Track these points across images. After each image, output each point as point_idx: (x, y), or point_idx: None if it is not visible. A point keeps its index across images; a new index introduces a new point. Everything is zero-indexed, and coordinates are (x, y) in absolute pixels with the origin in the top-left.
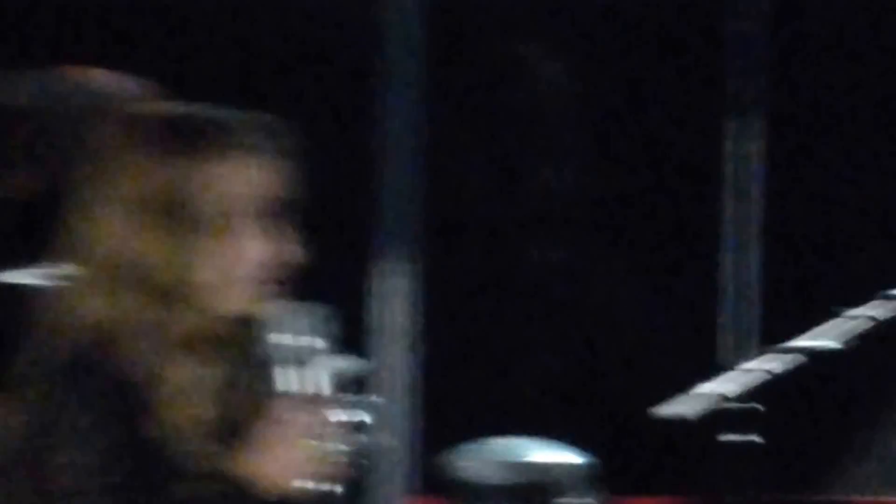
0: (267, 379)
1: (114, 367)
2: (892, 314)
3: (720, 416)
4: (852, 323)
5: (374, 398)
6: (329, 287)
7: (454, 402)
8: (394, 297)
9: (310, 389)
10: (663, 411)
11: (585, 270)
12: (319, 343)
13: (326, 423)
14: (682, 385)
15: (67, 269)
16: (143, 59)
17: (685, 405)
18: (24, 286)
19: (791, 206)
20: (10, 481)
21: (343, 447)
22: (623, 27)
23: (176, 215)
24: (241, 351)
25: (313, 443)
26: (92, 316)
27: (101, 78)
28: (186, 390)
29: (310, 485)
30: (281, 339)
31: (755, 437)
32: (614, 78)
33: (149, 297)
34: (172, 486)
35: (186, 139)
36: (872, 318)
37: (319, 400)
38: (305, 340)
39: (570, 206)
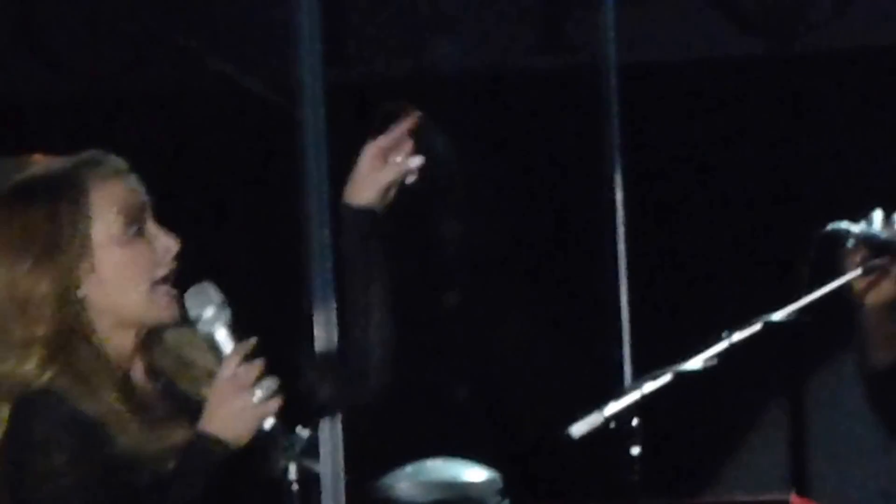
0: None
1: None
2: (744, 339)
3: (608, 433)
4: (713, 348)
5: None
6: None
7: (376, 431)
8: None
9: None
10: (563, 431)
11: (492, 310)
12: (224, 315)
13: (256, 374)
14: (577, 408)
15: None
16: None
17: (580, 425)
18: None
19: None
20: None
21: (267, 393)
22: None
23: (56, 252)
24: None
25: (253, 394)
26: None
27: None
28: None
29: (260, 427)
30: (200, 318)
31: (637, 449)
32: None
33: (43, 327)
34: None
35: (51, 191)
36: (729, 343)
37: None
38: (213, 315)
39: (476, 252)
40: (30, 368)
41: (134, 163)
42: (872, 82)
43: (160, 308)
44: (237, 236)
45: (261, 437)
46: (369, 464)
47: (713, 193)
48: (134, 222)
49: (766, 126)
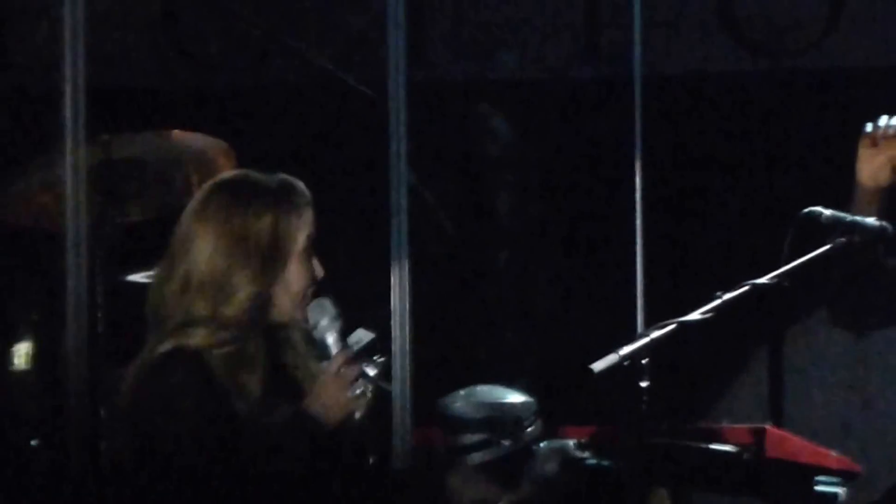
0: (314, 353)
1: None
2: (735, 298)
3: (622, 370)
4: (709, 305)
5: (381, 358)
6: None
7: (441, 363)
8: (396, 292)
9: (341, 351)
10: (589, 366)
11: (531, 272)
12: (337, 325)
13: (355, 376)
14: (598, 350)
15: (164, 274)
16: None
17: (600, 363)
18: (141, 284)
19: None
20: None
21: (367, 391)
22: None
23: (248, 250)
24: (292, 339)
25: (351, 390)
26: (175, 317)
27: (192, 137)
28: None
29: (352, 416)
30: (318, 325)
31: (645, 383)
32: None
33: (224, 307)
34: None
35: (257, 197)
36: (722, 301)
37: (348, 361)
38: (328, 325)
39: (524, 220)
40: (203, 338)
41: (252, 146)
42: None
43: (301, 312)
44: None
45: (351, 424)
46: (432, 386)
47: (718, 184)
48: (310, 244)
49: (763, 131)
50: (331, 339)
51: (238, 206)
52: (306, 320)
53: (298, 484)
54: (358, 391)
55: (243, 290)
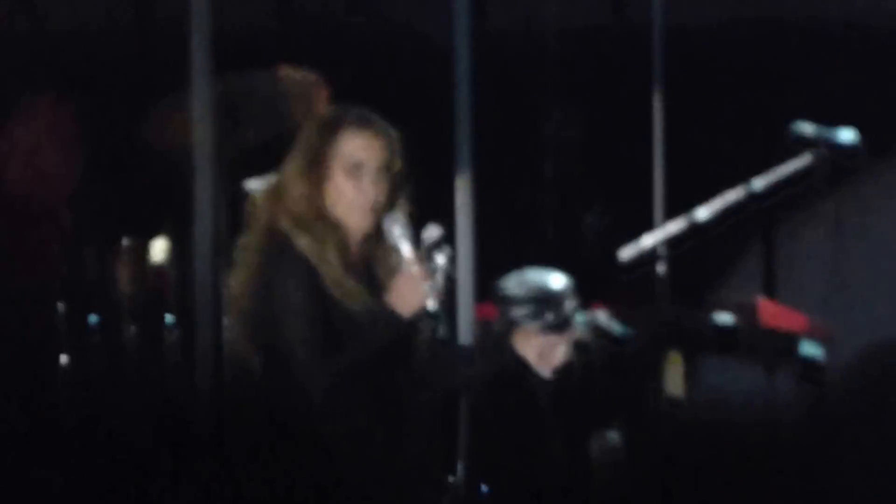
0: (392, 254)
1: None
2: (738, 197)
3: (645, 257)
4: (713, 203)
5: (449, 250)
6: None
7: (499, 249)
8: (462, 194)
9: (413, 254)
10: (621, 253)
11: (575, 179)
12: (408, 232)
13: (427, 271)
14: (624, 240)
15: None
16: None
17: (626, 251)
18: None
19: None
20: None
21: (436, 283)
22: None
23: (332, 167)
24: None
25: (425, 283)
26: (273, 217)
27: (295, 73)
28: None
29: (426, 306)
30: (393, 231)
31: (663, 268)
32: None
33: (291, 204)
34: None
35: (345, 123)
36: (725, 201)
37: (421, 259)
38: (401, 232)
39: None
40: (295, 234)
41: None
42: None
43: (371, 221)
44: None
45: (422, 315)
46: (489, 271)
47: (732, 107)
48: (378, 168)
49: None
50: (404, 242)
51: (314, 125)
52: (382, 228)
53: (377, 366)
54: (429, 284)
55: (297, 189)
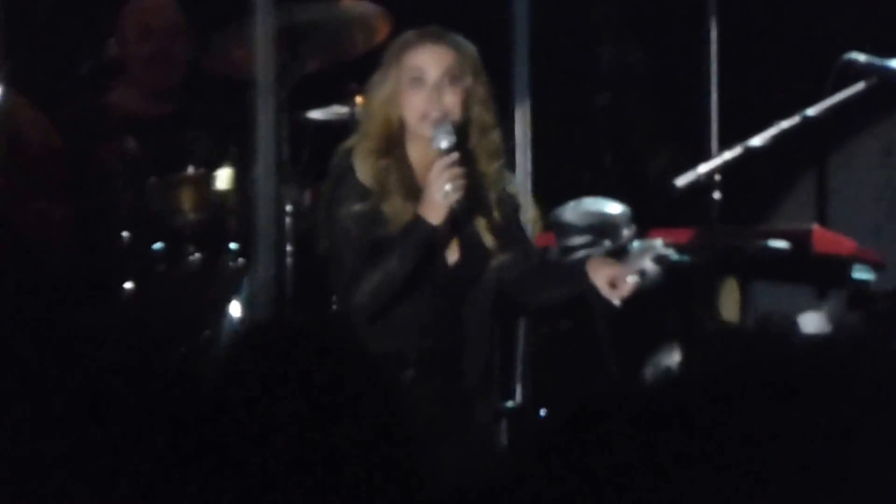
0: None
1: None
2: (789, 125)
3: (699, 185)
4: (768, 131)
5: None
6: None
7: (556, 181)
8: (520, 125)
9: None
10: (675, 181)
11: (627, 98)
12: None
13: (452, 169)
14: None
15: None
16: None
17: (682, 178)
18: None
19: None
20: None
21: (458, 186)
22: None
23: (401, 81)
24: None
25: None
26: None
27: (357, 4)
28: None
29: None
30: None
31: (718, 194)
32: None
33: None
34: None
35: (413, 38)
36: (779, 129)
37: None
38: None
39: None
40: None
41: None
42: None
43: (426, 130)
44: None
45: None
46: (552, 194)
47: (787, 36)
48: (444, 81)
49: None
50: (444, 142)
51: (388, 47)
52: (432, 139)
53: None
54: (448, 186)
55: (377, 103)
